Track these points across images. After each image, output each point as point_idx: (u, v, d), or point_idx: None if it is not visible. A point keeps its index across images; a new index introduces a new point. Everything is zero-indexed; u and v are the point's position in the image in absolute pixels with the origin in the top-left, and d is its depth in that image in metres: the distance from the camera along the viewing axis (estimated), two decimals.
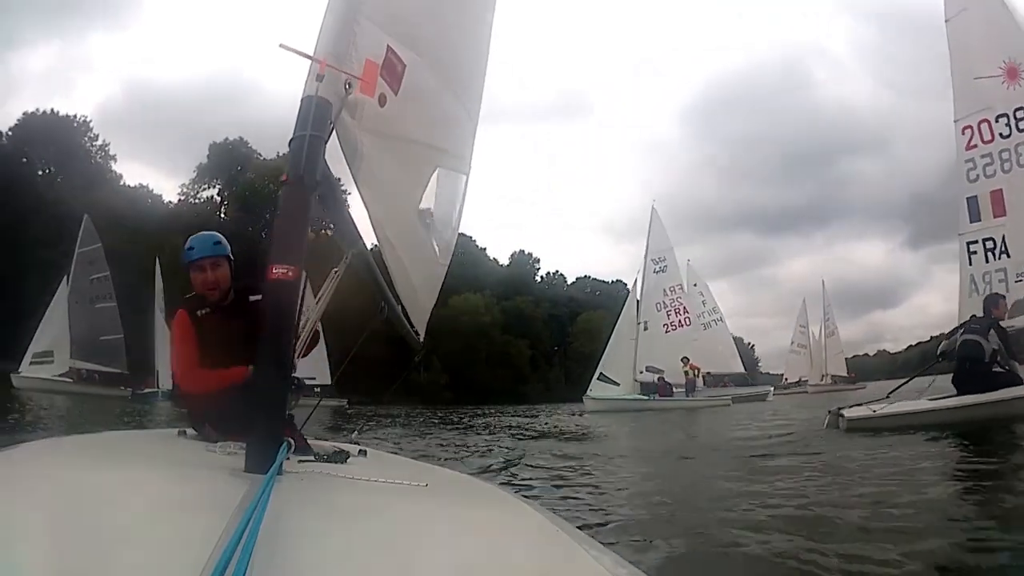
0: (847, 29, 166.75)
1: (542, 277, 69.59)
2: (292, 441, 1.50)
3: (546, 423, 15.06)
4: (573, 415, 18.57)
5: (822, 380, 35.42)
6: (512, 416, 18.82)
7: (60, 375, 23.95)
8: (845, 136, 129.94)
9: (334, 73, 1.63)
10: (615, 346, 22.98)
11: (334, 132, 1.66)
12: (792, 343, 38.62)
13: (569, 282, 71.85)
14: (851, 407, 7.79)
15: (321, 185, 1.57)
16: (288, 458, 1.43)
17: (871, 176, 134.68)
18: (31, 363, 24.42)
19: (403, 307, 2.43)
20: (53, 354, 24.59)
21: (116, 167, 45.18)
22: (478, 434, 11.56)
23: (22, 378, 23.23)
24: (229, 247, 2.46)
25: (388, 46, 1.80)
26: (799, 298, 39.80)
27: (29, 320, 25.26)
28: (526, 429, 12.79)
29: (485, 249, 64.55)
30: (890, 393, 7.84)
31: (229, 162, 45.82)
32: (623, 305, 24.60)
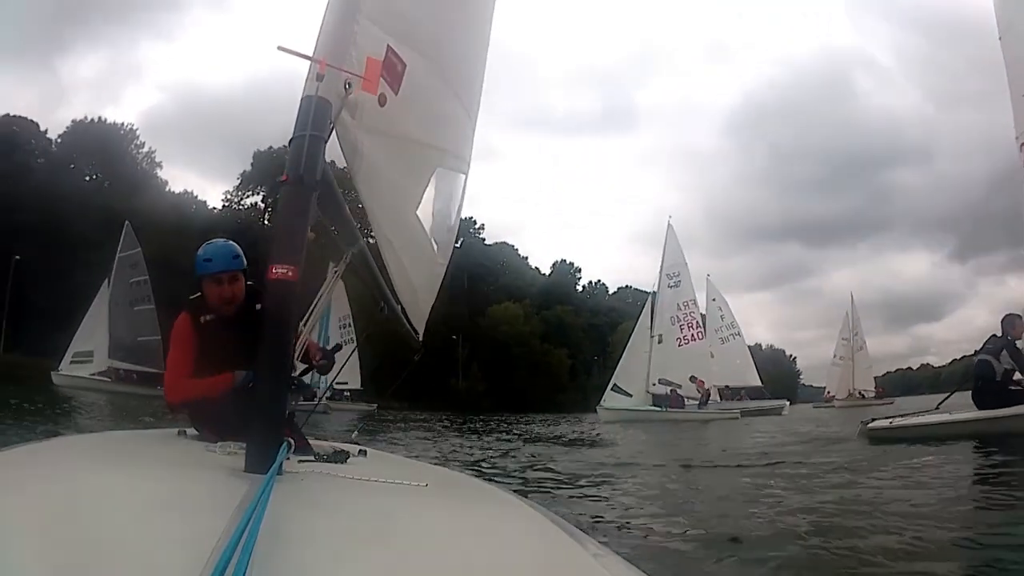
0: (890, 38, 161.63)
1: (584, 287, 69.80)
2: (292, 441, 1.50)
3: (559, 431, 15.35)
4: (592, 424, 18.97)
5: (849, 396, 34.81)
6: (534, 424, 19.32)
7: (98, 374, 24.89)
8: (890, 146, 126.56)
9: (334, 73, 1.63)
10: (629, 358, 23.53)
11: (334, 132, 1.66)
12: (835, 355, 38.06)
13: (611, 292, 71.72)
14: (880, 419, 8.27)
15: (321, 185, 1.58)
16: (288, 458, 1.43)
17: (916, 187, 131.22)
18: (71, 362, 25.46)
19: (402, 307, 2.42)
20: (93, 354, 25.61)
21: (162, 173, 46.83)
22: (497, 439, 11.80)
23: (62, 376, 24.24)
24: (245, 259, 2.33)
25: (388, 46, 1.80)
26: (843, 310, 39.08)
27: (72, 321, 26.24)
28: (539, 436, 13.07)
29: (527, 258, 65.58)
30: (938, 405, 8.06)
31: (273, 169, 46.62)
32: (638, 318, 25.06)
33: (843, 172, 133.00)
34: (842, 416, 18.67)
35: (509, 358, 50.45)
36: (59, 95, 64.92)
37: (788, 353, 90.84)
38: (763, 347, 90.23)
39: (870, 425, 8.16)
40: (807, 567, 2.60)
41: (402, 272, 2.21)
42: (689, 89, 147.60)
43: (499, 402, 42.98)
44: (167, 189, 45.55)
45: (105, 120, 45.08)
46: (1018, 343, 7.38)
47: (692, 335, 23.66)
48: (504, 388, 47.83)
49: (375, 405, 26.46)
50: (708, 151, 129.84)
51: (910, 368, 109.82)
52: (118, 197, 37.17)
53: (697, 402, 22.27)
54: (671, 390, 22.28)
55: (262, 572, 0.75)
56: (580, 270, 69.63)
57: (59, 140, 42.79)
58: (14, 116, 40.47)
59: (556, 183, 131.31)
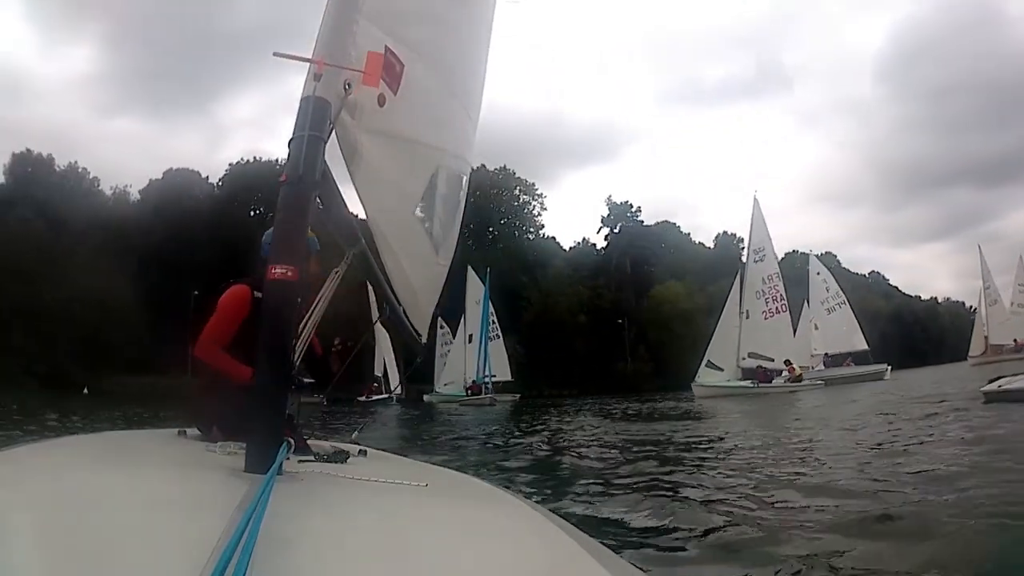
0: None
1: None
2: (292, 441, 1.50)
3: (669, 408, 16.85)
4: (687, 399, 20.65)
5: (984, 352, 32.72)
6: (665, 401, 20.87)
7: None
8: None
9: (333, 74, 1.63)
10: (720, 334, 24.81)
11: (333, 132, 1.66)
12: (1011, 304, 34.92)
13: (779, 259, 70.74)
14: (999, 380, 8.32)
15: (320, 185, 1.58)
16: (288, 458, 1.43)
17: None
18: None
19: (404, 308, 2.42)
20: None
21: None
22: (598, 418, 13.36)
23: None
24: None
25: (386, 46, 1.80)
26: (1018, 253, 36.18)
27: None
28: (635, 413, 15.01)
29: (689, 234, 66.00)
30: None
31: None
32: (727, 294, 26.46)
33: (1005, 103, 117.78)
34: (973, 375, 18.32)
35: (674, 337, 50.69)
36: (218, 138, 74.71)
37: (968, 305, 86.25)
38: (940, 300, 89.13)
39: (983, 388, 8.20)
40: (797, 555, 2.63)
41: (401, 273, 2.21)
42: (833, 41, 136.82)
43: (666, 382, 42.92)
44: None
45: (260, 159, 49.02)
46: None
47: (777, 308, 24.89)
48: (671, 367, 47.51)
49: (518, 395, 29.26)
50: (863, 101, 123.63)
51: None
52: None
53: (788, 378, 23.44)
54: (758, 366, 23.51)
55: (262, 572, 0.75)
56: (742, 240, 69.50)
57: (220, 183, 47.29)
58: (177, 169, 45.76)
59: (716, 153, 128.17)
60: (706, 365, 24.08)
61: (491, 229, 55.50)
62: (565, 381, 43.40)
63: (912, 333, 60.85)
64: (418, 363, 2.84)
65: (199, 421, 2.37)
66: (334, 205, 1.81)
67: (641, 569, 1.12)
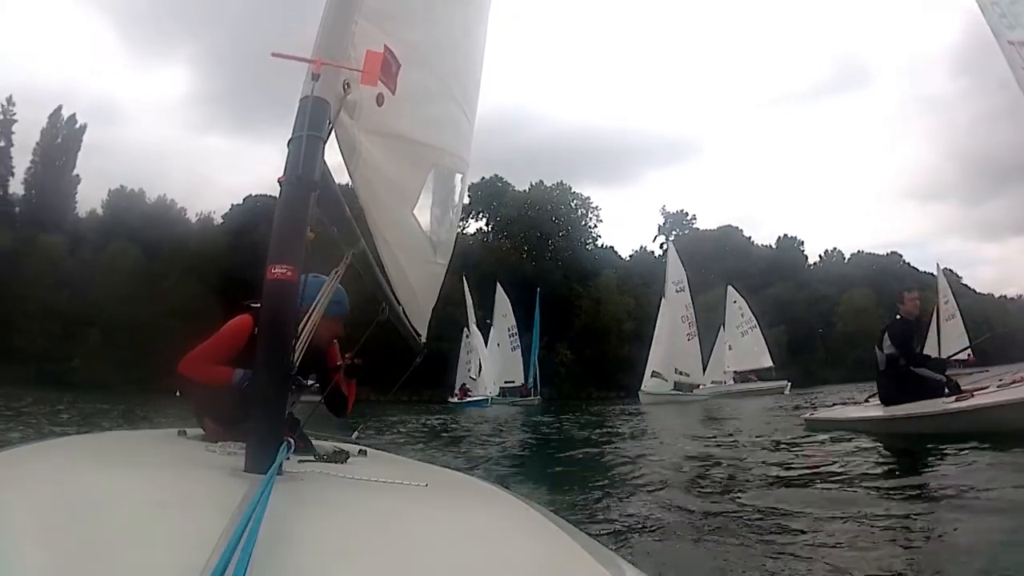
0: None
1: (821, 256, 70.45)
2: (292, 441, 1.49)
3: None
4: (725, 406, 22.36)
5: None
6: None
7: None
8: None
9: (332, 74, 1.63)
10: (656, 350, 29.02)
11: (333, 132, 1.66)
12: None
13: (846, 259, 71.08)
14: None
15: (320, 185, 1.58)
16: (288, 458, 1.43)
17: None
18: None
19: (403, 308, 2.42)
20: None
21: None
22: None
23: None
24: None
25: (385, 45, 1.80)
26: None
27: None
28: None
29: (750, 238, 67.17)
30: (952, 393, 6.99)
31: (487, 196, 56.20)
32: (656, 316, 30.73)
33: None
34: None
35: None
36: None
37: None
38: (1020, 298, 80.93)
39: (805, 416, 8.52)
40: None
41: (400, 272, 2.21)
42: (909, 38, 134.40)
43: None
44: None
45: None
46: (908, 320, 6.51)
47: (693, 332, 30.09)
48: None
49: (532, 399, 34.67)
50: (944, 95, 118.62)
51: None
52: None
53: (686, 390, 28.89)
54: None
55: (262, 572, 0.75)
56: (803, 243, 70.17)
57: None
58: (256, 195, 47.27)
59: (788, 155, 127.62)
60: (651, 376, 28.35)
61: (551, 243, 56.86)
62: (612, 385, 45.13)
63: (978, 335, 58.71)
64: (417, 363, 2.82)
65: (200, 421, 2.37)
66: (333, 205, 1.81)
67: (641, 569, 1.12)
